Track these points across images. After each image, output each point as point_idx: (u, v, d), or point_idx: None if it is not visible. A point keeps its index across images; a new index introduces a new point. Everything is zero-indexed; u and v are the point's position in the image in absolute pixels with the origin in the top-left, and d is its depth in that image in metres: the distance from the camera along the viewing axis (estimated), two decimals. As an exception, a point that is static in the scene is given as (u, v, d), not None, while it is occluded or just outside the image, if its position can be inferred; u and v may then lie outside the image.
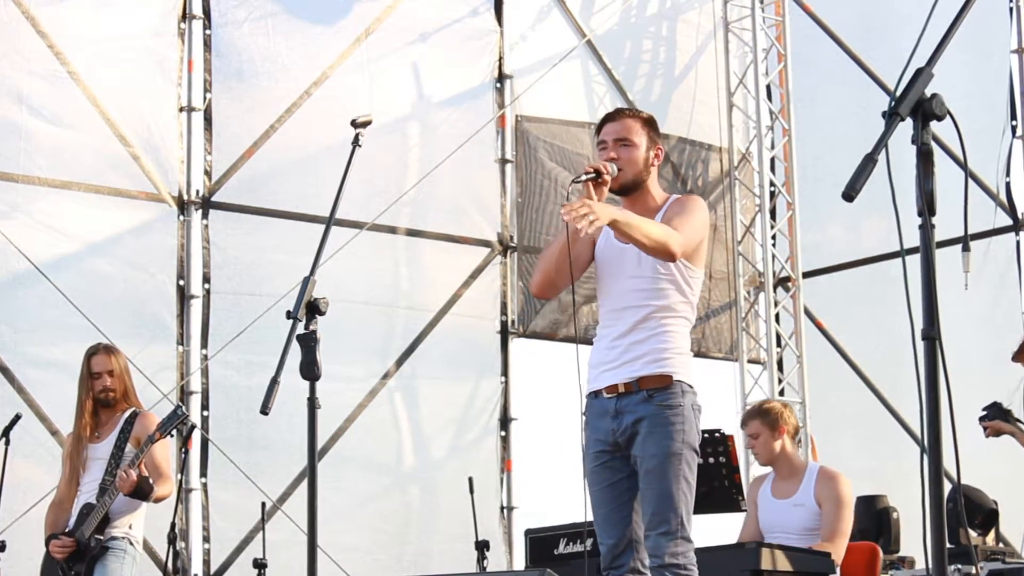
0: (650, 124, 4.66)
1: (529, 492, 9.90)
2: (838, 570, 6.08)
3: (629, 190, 4.59)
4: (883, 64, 10.50)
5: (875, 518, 8.20)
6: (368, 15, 9.71)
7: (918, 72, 2.95)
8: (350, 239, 8.70)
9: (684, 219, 4.48)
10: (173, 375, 8.69)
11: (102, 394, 6.36)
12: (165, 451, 6.31)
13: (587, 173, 4.41)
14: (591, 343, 4.67)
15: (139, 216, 8.80)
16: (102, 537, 6.18)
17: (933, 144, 2.99)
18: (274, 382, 4.13)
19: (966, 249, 3.22)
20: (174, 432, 6.21)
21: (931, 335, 2.93)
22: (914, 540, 7.90)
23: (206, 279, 8.91)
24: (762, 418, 6.40)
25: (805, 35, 11.17)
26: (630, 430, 4.44)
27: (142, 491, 6.09)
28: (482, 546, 8.02)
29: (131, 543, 6.26)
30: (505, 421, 9.88)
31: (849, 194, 2.86)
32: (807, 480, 6.35)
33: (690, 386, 4.49)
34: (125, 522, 6.25)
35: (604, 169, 4.44)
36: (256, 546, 8.07)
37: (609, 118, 4.66)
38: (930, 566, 2.91)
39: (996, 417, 6.46)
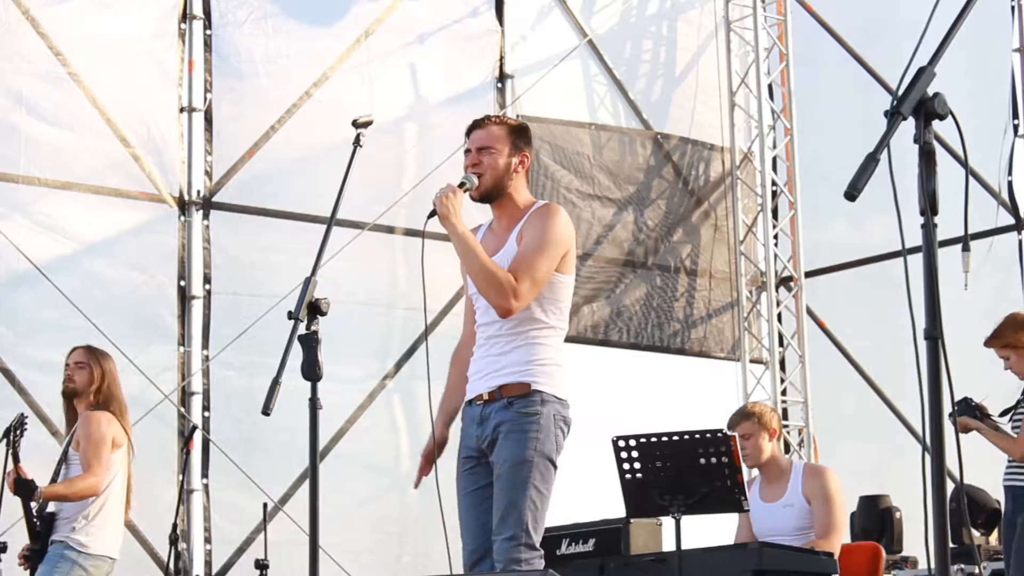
0: (516, 132, 4.71)
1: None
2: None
3: (492, 197, 4.69)
4: (885, 63, 10.49)
5: (878, 518, 8.20)
6: (368, 16, 9.70)
7: (920, 71, 2.95)
8: (351, 239, 8.69)
9: (534, 250, 4.53)
10: (174, 376, 8.69)
11: (63, 383, 6.23)
12: (93, 446, 6.00)
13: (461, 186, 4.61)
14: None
15: (139, 217, 8.80)
16: (36, 546, 5.98)
17: (935, 143, 2.98)
18: (275, 383, 4.13)
19: (966, 249, 3.21)
20: (15, 439, 5.97)
21: (933, 335, 2.92)
22: (917, 540, 7.85)
23: (207, 280, 8.90)
24: (754, 419, 6.39)
25: (807, 34, 11.16)
26: (491, 436, 4.55)
27: (26, 490, 5.91)
28: (483, 547, 7.99)
29: (71, 547, 5.98)
30: (506, 422, 9.85)
31: (851, 193, 2.85)
32: (793, 479, 6.33)
33: (558, 398, 4.52)
34: (64, 526, 6.02)
35: (468, 184, 4.62)
36: (258, 547, 8.06)
37: (475, 125, 4.74)
38: (933, 566, 2.90)
39: (964, 413, 6.48)
